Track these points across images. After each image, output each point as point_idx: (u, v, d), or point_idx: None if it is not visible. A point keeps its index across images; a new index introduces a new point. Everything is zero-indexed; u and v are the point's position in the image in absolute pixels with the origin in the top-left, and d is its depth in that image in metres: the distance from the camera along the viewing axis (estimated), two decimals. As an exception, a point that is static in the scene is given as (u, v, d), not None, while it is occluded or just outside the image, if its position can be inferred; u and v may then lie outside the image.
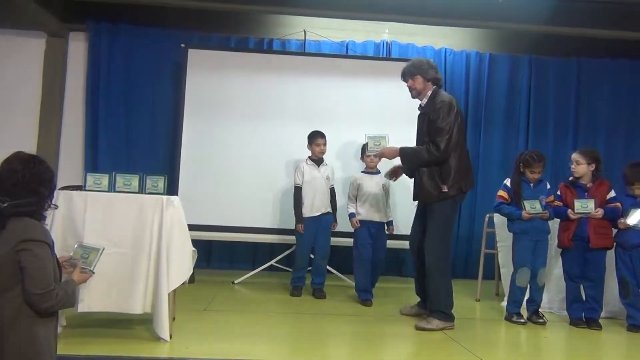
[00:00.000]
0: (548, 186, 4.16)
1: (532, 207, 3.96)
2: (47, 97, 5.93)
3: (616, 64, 6.34)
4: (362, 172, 4.57)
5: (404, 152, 3.69)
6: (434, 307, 3.67)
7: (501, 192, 4.18)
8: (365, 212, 4.39)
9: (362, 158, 4.57)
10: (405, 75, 3.81)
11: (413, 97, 3.84)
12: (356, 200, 4.47)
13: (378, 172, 4.51)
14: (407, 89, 3.85)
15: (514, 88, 6.28)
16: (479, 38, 6.30)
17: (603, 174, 4.12)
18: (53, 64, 5.96)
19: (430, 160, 3.58)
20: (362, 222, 4.39)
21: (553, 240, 4.30)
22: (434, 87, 3.77)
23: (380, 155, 3.84)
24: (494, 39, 6.32)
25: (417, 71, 3.75)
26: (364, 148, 4.08)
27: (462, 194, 3.70)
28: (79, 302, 2.89)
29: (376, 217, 4.40)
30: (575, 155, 4.07)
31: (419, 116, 3.85)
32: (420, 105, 3.83)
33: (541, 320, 3.97)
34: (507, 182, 4.18)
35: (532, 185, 4.09)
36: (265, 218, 5.29)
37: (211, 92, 5.42)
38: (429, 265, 3.65)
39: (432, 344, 3.33)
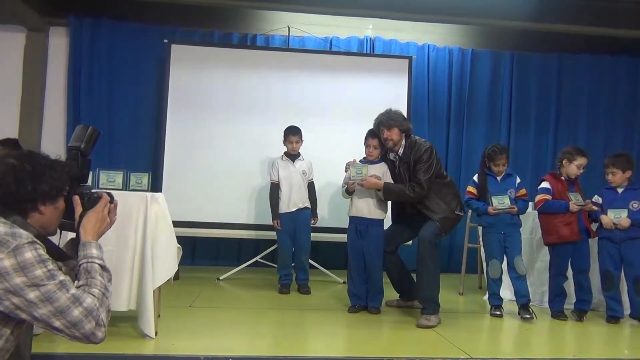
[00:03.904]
0: (518, 180, 4.20)
1: (499, 202, 4.01)
2: (27, 93, 5.86)
3: (596, 60, 6.46)
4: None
5: (387, 188, 3.83)
6: (426, 295, 3.68)
7: (469, 188, 4.25)
8: (354, 208, 3.99)
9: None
10: (382, 125, 3.89)
11: (388, 147, 3.93)
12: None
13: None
14: (384, 136, 3.89)
15: (496, 83, 6.36)
16: (461, 34, 6.36)
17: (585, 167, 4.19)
18: (33, 60, 5.88)
19: (413, 198, 3.80)
20: (351, 219, 4.02)
21: (535, 234, 4.36)
22: (407, 137, 3.92)
23: (362, 185, 3.86)
24: (476, 35, 6.38)
25: (395, 123, 3.86)
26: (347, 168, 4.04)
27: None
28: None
29: (365, 213, 3.94)
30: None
31: (396, 164, 3.93)
32: (396, 155, 3.93)
33: (528, 316, 3.86)
34: (476, 177, 4.23)
35: (499, 179, 4.14)
36: (249, 214, 5.30)
37: (194, 87, 5.40)
38: (423, 254, 3.69)
39: (417, 338, 3.36)
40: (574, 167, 4.04)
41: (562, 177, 4.09)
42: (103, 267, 1.59)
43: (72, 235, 1.71)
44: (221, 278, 5.07)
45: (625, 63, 6.48)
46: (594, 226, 4.12)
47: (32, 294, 1.39)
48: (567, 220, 3.96)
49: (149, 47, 5.79)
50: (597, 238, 4.11)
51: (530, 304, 4.28)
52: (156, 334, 2.99)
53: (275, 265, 4.91)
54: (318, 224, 4.83)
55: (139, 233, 2.98)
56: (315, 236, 4.84)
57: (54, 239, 1.63)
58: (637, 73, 6.52)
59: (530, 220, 4.37)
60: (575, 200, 3.94)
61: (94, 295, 1.48)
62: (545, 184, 4.13)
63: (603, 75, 6.46)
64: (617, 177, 4.02)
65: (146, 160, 5.67)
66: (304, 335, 3.47)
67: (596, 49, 6.39)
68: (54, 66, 5.95)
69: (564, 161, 4.10)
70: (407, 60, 5.70)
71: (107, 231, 2.91)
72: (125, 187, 3.26)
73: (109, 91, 5.82)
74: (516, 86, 6.36)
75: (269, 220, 4.80)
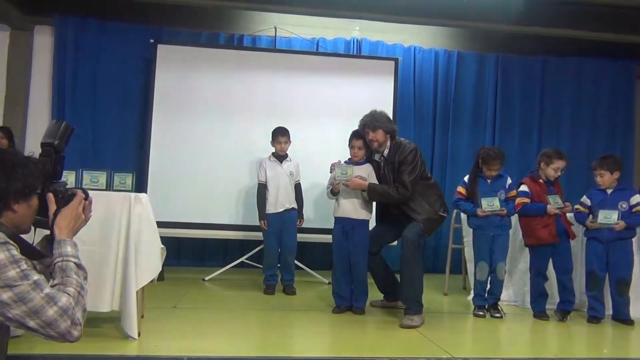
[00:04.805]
0: (509, 181, 4.20)
1: (489, 204, 4.03)
2: (11, 93, 5.80)
3: (580, 63, 6.55)
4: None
5: (372, 189, 3.84)
6: (410, 295, 3.70)
7: (460, 188, 4.25)
8: (340, 208, 3.99)
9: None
10: (366, 127, 3.90)
11: (373, 148, 3.95)
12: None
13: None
14: (370, 137, 3.89)
15: (481, 85, 6.42)
16: (447, 36, 6.41)
17: (568, 168, 4.24)
18: (17, 59, 5.83)
19: (398, 199, 3.81)
20: (336, 219, 4.01)
21: (518, 235, 4.40)
22: (391, 138, 3.94)
23: (346, 185, 3.87)
24: (462, 37, 6.43)
25: (379, 125, 3.87)
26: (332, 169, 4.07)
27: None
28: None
29: (351, 214, 3.94)
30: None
31: (381, 165, 3.94)
32: (381, 156, 3.95)
33: (498, 315, 4.01)
34: (466, 178, 4.25)
35: (489, 181, 4.15)
36: (235, 215, 5.29)
37: (181, 88, 5.38)
38: (407, 255, 3.71)
39: (400, 338, 3.38)
40: (551, 171, 4.08)
41: (541, 180, 4.13)
42: (78, 265, 1.57)
43: (46, 232, 1.69)
44: (206, 279, 5.06)
45: (607, 66, 6.57)
46: (574, 228, 4.17)
47: (5, 295, 1.38)
48: (545, 223, 4.01)
49: (135, 47, 5.75)
50: (585, 239, 4.16)
51: (514, 303, 4.46)
52: (139, 334, 2.98)
53: (261, 266, 4.91)
54: (304, 225, 4.85)
55: (122, 233, 2.97)
56: (301, 237, 4.85)
57: (28, 237, 1.62)
58: (618, 76, 6.62)
59: (513, 222, 4.40)
60: (553, 203, 3.99)
61: (69, 294, 1.47)
62: (523, 187, 4.16)
63: (586, 78, 6.55)
64: (606, 179, 4.06)
65: (131, 161, 5.65)
66: (289, 335, 3.48)
67: (580, 52, 6.47)
68: (38, 65, 5.89)
69: (542, 164, 4.14)
70: (393, 62, 5.72)
71: (90, 231, 2.92)
72: (109, 187, 3.25)
73: (94, 91, 5.78)
74: (501, 88, 6.43)
75: (254, 221, 4.81)
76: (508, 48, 6.43)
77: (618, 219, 3.93)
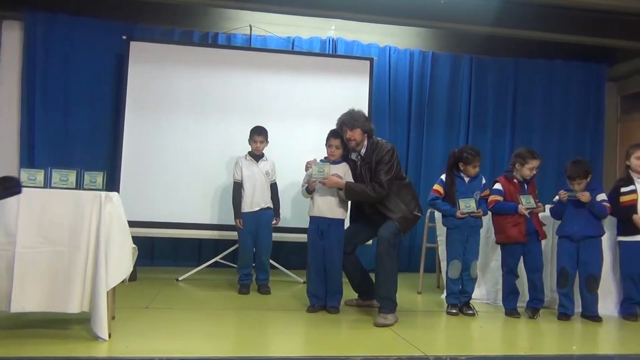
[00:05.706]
0: (483, 181, 4.25)
1: (466, 206, 4.08)
2: (-22, 89, 5.66)
3: (551, 65, 6.68)
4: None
5: (349, 187, 3.86)
6: (384, 294, 3.72)
7: (437, 187, 4.25)
8: (315, 207, 3.97)
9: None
10: (344, 125, 3.91)
11: (351, 147, 3.95)
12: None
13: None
14: (347, 135, 3.91)
15: (455, 86, 6.49)
16: (422, 37, 6.47)
17: (539, 168, 4.30)
18: (-15, 55, 5.69)
19: (374, 198, 3.84)
20: (312, 218, 4.01)
21: (490, 233, 4.46)
22: (369, 137, 3.97)
23: (323, 183, 3.88)
24: (436, 38, 6.50)
25: (357, 124, 3.89)
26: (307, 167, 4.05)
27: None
28: (12, 302, 2.80)
29: (326, 213, 3.94)
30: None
31: (358, 164, 3.96)
32: (358, 155, 3.97)
33: (470, 312, 4.09)
34: (444, 176, 4.26)
35: (467, 181, 4.19)
36: (209, 214, 5.25)
37: (154, 85, 5.32)
38: (382, 254, 3.73)
39: (374, 336, 3.40)
40: (526, 170, 4.15)
41: (515, 180, 4.20)
42: None
43: None
44: (180, 279, 5.01)
45: (577, 68, 6.71)
46: (546, 228, 4.24)
47: None
48: (516, 222, 4.08)
49: (107, 44, 5.65)
50: (556, 238, 4.24)
51: (486, 302, 4.54)
52: (110, 336, 2.94)
53: (236, 266, 4.88)
54: (280, 224, 4.83)
55: (92, 233, 2.92)
56: (276, 236, 4.84)
57: None
58: (589, 77, 6.76)
59: (486, 221, 4.46)
60: (525, 203, 4.06)
61: None
62: (497, 186, 4.22)
63: (557, 80, 6.69)
64: (582, 186, 4.14)
65: (104, 160, 5.55)
66: (263, 335, 3.46)
67: (551, 54, 6.61)
68: (7, 62, 5.74)
69: (516, 165, 4.20)
70: (368, 62, 5.74)
71: (60, 231, 2.87)
72: (79, 186, 3.18)
73: (65, 87, 5.66)
74: (474, 89, 6.51)
75: (229, 220, 4.78)
76: (482, 49, 6.52)
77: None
